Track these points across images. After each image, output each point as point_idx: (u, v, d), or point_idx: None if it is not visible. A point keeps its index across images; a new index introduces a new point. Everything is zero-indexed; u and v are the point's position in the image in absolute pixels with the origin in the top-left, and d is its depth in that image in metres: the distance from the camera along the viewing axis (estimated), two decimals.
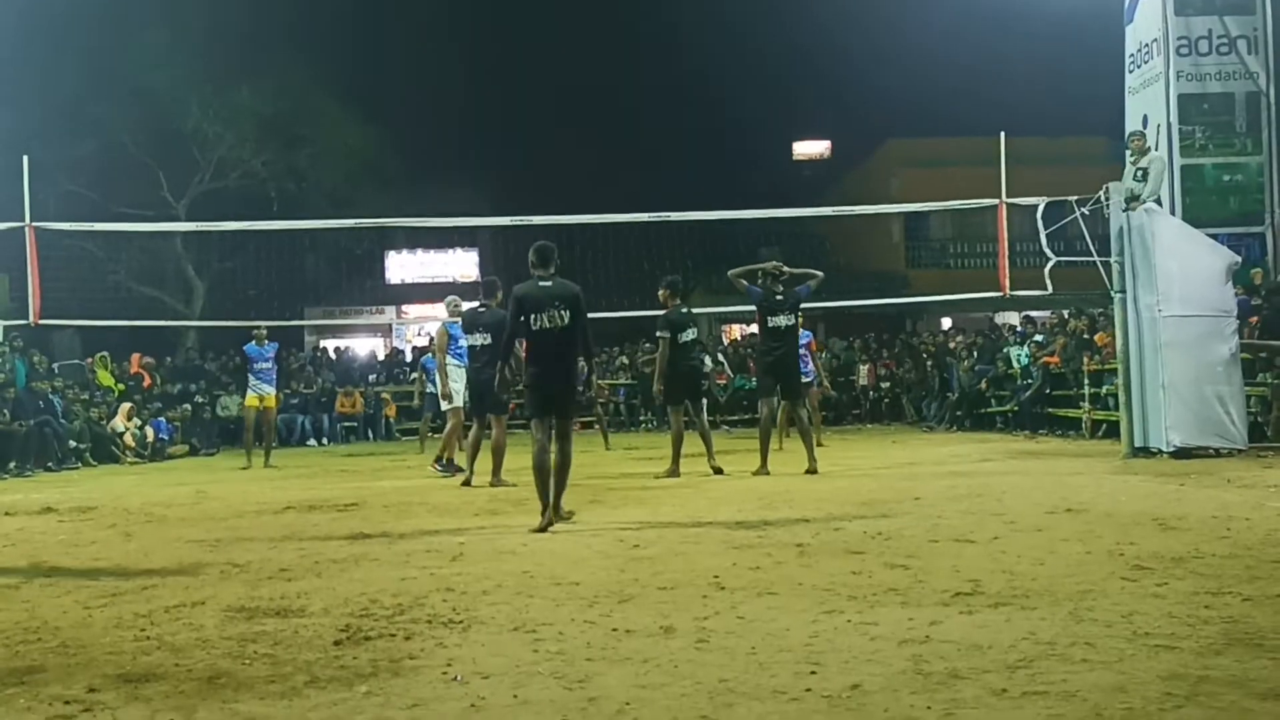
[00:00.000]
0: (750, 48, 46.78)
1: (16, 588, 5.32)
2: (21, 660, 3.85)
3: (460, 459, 11.29)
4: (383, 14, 34.59)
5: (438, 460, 11.78)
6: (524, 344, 7.27)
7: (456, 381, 11.36)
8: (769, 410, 10.95)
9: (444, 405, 11.77)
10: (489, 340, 9.65)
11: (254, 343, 14.73)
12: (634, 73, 42.46)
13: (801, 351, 12.16)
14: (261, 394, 14.62)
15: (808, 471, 10.19)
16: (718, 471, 10.33)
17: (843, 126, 39.12)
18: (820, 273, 11.15)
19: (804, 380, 12.04)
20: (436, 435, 17.82)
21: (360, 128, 27.01)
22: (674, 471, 10.38)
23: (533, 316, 7.04)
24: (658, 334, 10.59)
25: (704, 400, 11.25)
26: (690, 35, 44.12)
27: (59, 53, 23.13)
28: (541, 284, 7.12)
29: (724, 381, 22.68)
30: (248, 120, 25.71)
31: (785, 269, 10.70)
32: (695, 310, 12.25)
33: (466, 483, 10.05)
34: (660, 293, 10.71)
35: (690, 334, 10.51)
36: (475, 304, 10.37)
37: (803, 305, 10.94)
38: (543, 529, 6.87)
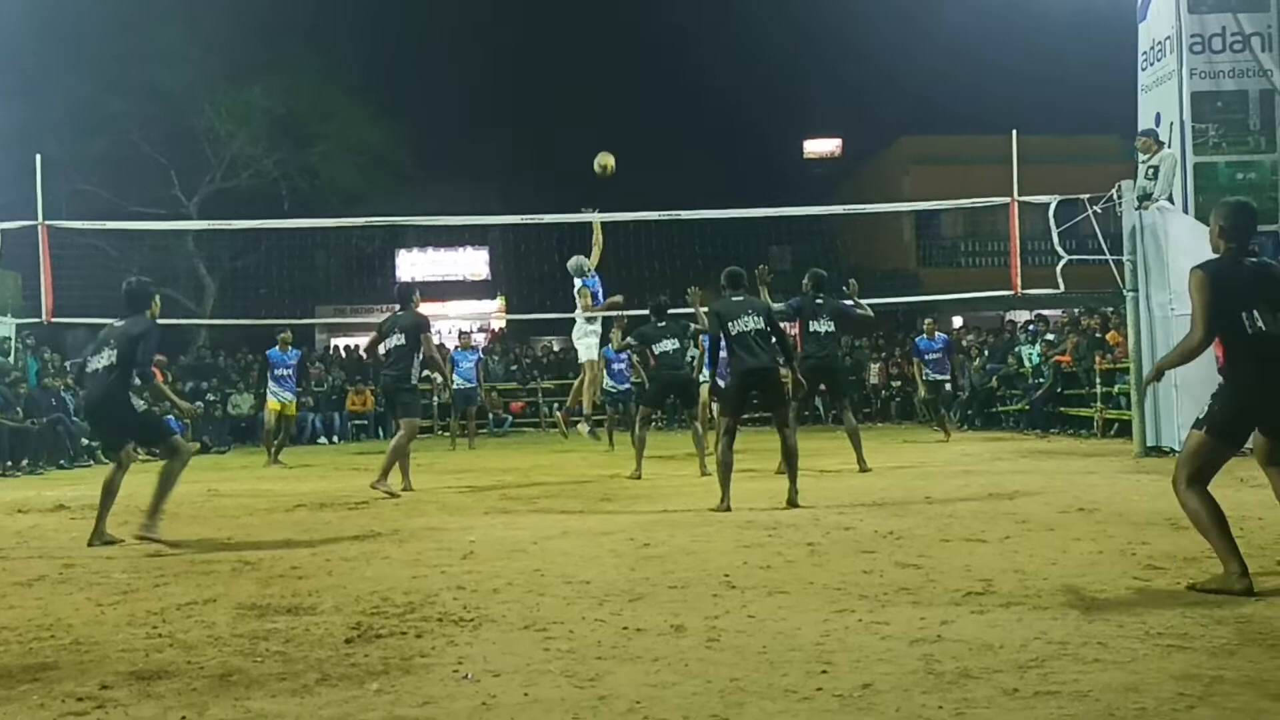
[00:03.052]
0: (761, 45, 46.71)
1: (29, 584, 5.35)
2: (35, 657, 3.87)
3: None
4: (395, 11, 34.66)
5: (569, 412, 12.03)
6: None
7: (590, 335, 11.92)
8: (794, 412, 10.93)
9: (583, 359, 12.10)
10: (402, 342, 9.72)
11: (277, 348, 14.69)
12: (644, 71, 42.48)
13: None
14: (282, 400, 14.58)
15: (860, 471, 10.31)
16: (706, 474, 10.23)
17: (854, 124, 39.06)
18: (872, 315, 11.46)
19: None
20: (460, 437, 17.90)
21: (372, 125, 27.03)
22: (636, 474, 10.48)
23: (730, 324, 8.01)
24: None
25: (696, 405, 11.36)
26: (700, 33, 44.13)
27: (72, 51, 23.20)
28: (734, 299, 8.19)
29: None
30: (260, 118, 25.76)
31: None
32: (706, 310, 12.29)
33: (408, 488, 9.78)
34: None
35: (669, 345, 10.56)
36: (396, 308, 10.30)
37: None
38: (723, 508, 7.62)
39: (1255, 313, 4.62)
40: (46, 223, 12.71)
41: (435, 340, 11.10)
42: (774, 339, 8.12)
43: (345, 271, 29.16)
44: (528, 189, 30.67)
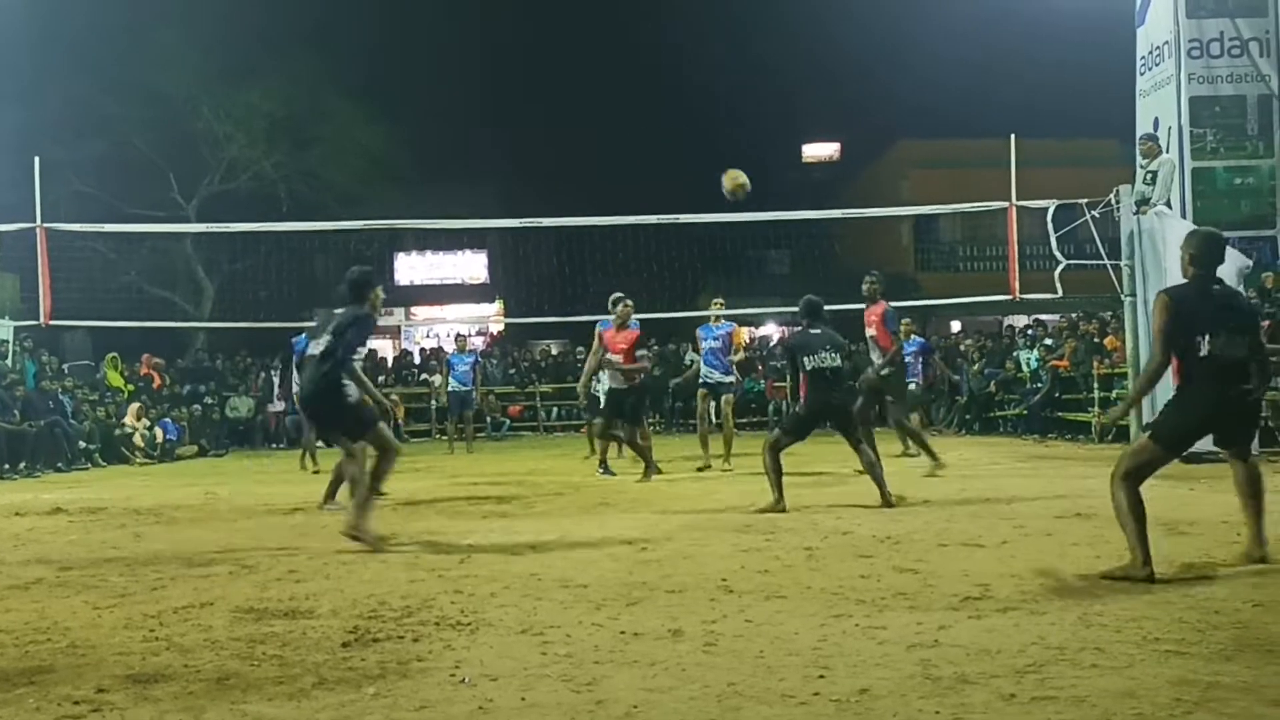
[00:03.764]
0: (760, 49, 46.78)
1: (26, 588, 5.34)
2: (31, 660, 3.87)
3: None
4: (394, 14, 34.66)
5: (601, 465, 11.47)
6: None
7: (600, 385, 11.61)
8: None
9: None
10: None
11: (304, 336, 13.89)
12: (644, 75, 42.55)
13: (719, 344, 12.09)
14: None
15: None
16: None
17: (852, 128, 39.10)
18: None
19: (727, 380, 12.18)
20: (459, 441, 17.88)
21: (370, 127, 27.03)
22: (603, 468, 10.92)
23: (806, 359, 7.99)
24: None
25: (643, 414, 11.16)
26: (700, 38, 44.21)
27: (70, 53, 23.20)
28: (812, 331, 8.14)
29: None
30: (259, 121, 25.77)
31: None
32: (707, 312, 12.32)
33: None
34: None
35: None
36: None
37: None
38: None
39: (1210, 336, 4.99)
40: (45, 225, 12.73)
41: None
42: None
43: (343, 274, 29.15)
44: (527, 192, 30.71)
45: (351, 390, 6.69)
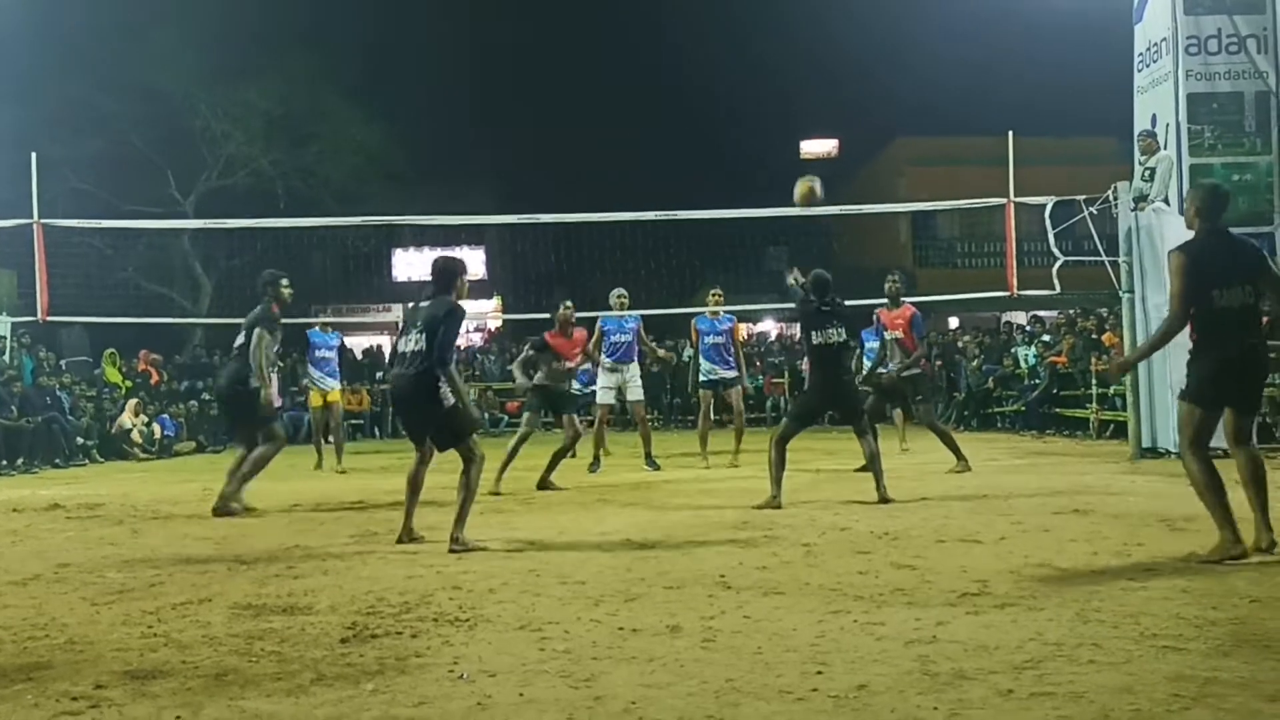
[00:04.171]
0: (759, 47, 46.77)
1: (24, 584, 5.34)
2: (29, 656, 3.86)
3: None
4: (391, 13, 34.66)
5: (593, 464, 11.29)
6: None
7: (601, 378, 11.58)
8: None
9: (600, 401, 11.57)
10: (240, 340, 8.62)
11: (317, 328, 13.54)
12: (643, 72, 42.54)
13: (722, 340, 11.86)
14: (325, 389, 13.16)
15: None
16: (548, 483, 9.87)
17: (851, 125, 39.20)
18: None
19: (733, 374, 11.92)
20: None
21: (368, 125, 27.04)
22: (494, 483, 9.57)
23: (813, 333, 8.09)
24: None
25: (572, 409, 10.55)
26: (699, 35, 44.19)
27: (68, 51, 23.19)
28: (822, 309, 8.14)
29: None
30: (256, 118, 25.76)
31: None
32: (703, 309, 12.30)
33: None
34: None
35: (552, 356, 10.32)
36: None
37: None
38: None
39: (1224, 288, 5.11)
40: (42, 221, 12.69)
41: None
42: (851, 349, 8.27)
43: (341, 271, 29.17)
44: (524, 189, 30.74)
45: (447, 394, 6.24)
